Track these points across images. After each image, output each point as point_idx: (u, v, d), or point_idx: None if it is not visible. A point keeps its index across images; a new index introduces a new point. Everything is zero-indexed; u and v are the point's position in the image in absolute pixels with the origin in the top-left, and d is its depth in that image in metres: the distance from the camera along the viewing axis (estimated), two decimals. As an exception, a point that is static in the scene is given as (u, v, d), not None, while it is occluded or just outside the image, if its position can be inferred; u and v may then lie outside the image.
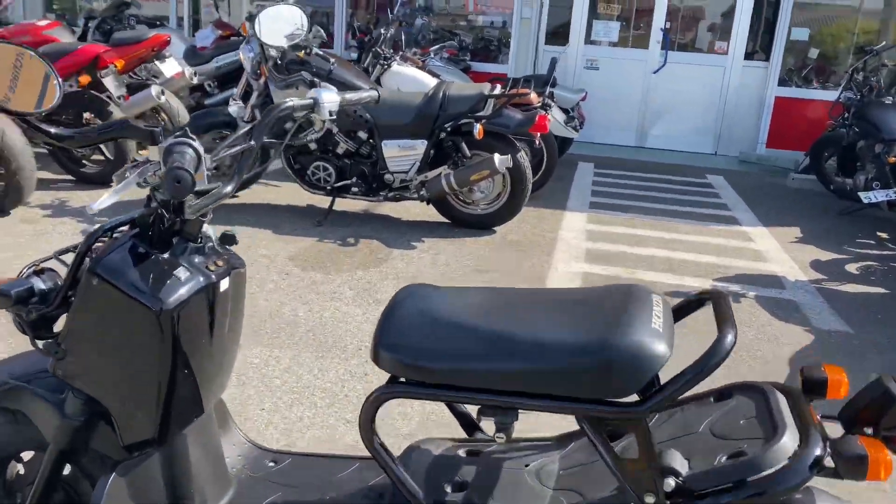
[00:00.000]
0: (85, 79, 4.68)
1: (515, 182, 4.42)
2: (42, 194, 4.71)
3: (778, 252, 4.57)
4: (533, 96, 4.72)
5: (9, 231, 4.02)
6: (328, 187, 4.49)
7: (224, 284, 1.30)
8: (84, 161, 5.05)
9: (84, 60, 4.65)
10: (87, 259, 1.23)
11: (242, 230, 4.23)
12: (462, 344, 1.13)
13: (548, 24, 8.09)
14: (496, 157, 4.14)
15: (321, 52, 4.35)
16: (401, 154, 4.36)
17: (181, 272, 1.24)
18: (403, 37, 5.88)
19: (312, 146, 4.45)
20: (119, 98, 4.89)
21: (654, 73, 7.94)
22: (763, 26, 7.87)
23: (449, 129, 4.31)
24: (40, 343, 1.27)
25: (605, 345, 1.08)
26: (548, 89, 5.45)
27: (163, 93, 5.27)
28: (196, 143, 1.17)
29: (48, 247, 3.78)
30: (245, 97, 4.59)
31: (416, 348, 1.14)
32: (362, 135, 4.43)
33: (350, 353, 2.83)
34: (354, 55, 6.64)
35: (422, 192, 4.40)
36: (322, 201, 4.79)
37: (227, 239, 1.38)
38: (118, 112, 4.81)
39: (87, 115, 4.90)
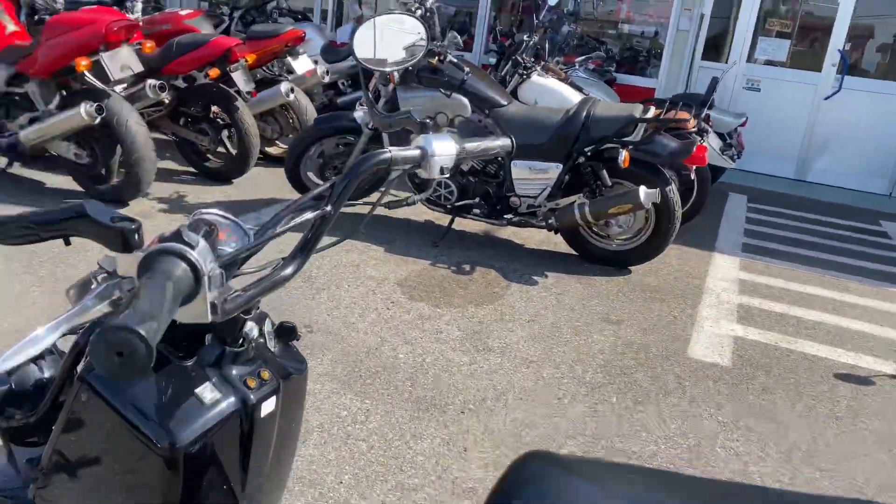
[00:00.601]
0: (214, 72, 4.55)
1: (661, 218, 3.86)
2: (163, 186, 4.64)
3: (980, 332, 3.74)
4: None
5: (123, 224, 3.93)
6: (448, 205, 4.11)
7: (268, 407, 0.92)
8: (208, 155, 4.96)
9: (215, 53, 4.52)
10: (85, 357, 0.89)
11: (353, 244, 3.93)
12: None
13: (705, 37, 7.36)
14: (642, 189, 3.60)
15: (455, 60, 3.97)
16: (531, 177, 3.91)
17: (206, 390, 0.87)
18: (547, 44, 5.41)
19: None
20: (247, 94, 4.74)
21: (826, 99, 7.02)
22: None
23: (589, 153, 3.81)
24: (20, 454, 0.94)
25: None
26: (704, 111, 4.82)
27: (292, 90, 5.03)
28: (194, 253, 0.74)
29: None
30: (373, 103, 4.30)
31: None
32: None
33: (449, 417, 2.43)
34: (493, 60, 6.25)
35: (550, 221, 3.93)
36: (441, 218, 4.43)
37: (285, 333, 1.00)
38: (245, 108, 4.67)
39: (214, 108, 4.80)
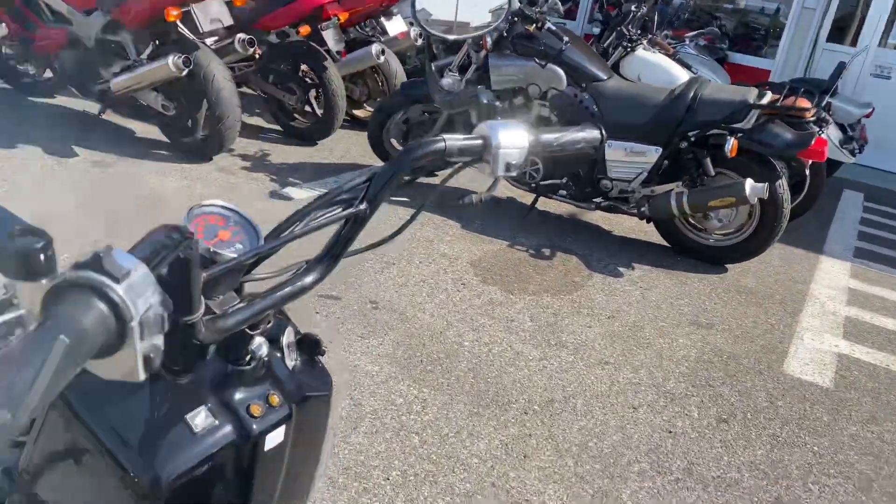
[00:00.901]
0: (305, 29, 4.44)
1: (767, 214, 3.51)
2: (247, 143, 4.60)
3: None
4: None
5: (204, 178, 3.91)
6: (532, 184, 3.88)
7: (274, 438, 0.77)
8: (295, 114, 4.89)
9: (306, 10, 4.41)
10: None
11: (430, 218, 3.78)
12: None
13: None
14: (748, 183, 3.27)
15: (554, 28, 3.70)
16: (627, 159, 3.63)
17: (199, 417, 0.73)
18: (656, 16, 5.04)
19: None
20: (336, 53, 4.62)
21: (968, 91, 6.31)
22: None
23: (693, 138, 3.49)
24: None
25: None
26: (826, 99, 4.37)
27: (383, 52, 4.77)
28: (119, 289, 0.49)
29: (236, 200, 3.60)
30: (463, 69, 4.10)
31: None
32: (584, 130, 3.75)
33: (511, 417, 2.25)
34: (597, 30, 5.90)
35: (643, 209, 3.65)
36: (524, 196, 4.21)
37: (308, 346, 0.85)
38: (333, 68, 4.56)
39: (303, 66, 4.71)
